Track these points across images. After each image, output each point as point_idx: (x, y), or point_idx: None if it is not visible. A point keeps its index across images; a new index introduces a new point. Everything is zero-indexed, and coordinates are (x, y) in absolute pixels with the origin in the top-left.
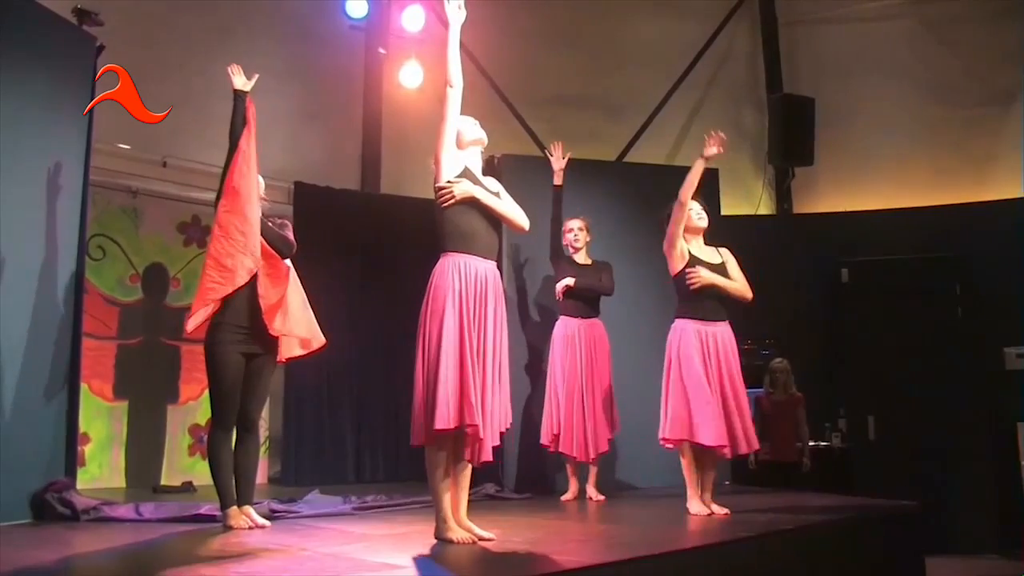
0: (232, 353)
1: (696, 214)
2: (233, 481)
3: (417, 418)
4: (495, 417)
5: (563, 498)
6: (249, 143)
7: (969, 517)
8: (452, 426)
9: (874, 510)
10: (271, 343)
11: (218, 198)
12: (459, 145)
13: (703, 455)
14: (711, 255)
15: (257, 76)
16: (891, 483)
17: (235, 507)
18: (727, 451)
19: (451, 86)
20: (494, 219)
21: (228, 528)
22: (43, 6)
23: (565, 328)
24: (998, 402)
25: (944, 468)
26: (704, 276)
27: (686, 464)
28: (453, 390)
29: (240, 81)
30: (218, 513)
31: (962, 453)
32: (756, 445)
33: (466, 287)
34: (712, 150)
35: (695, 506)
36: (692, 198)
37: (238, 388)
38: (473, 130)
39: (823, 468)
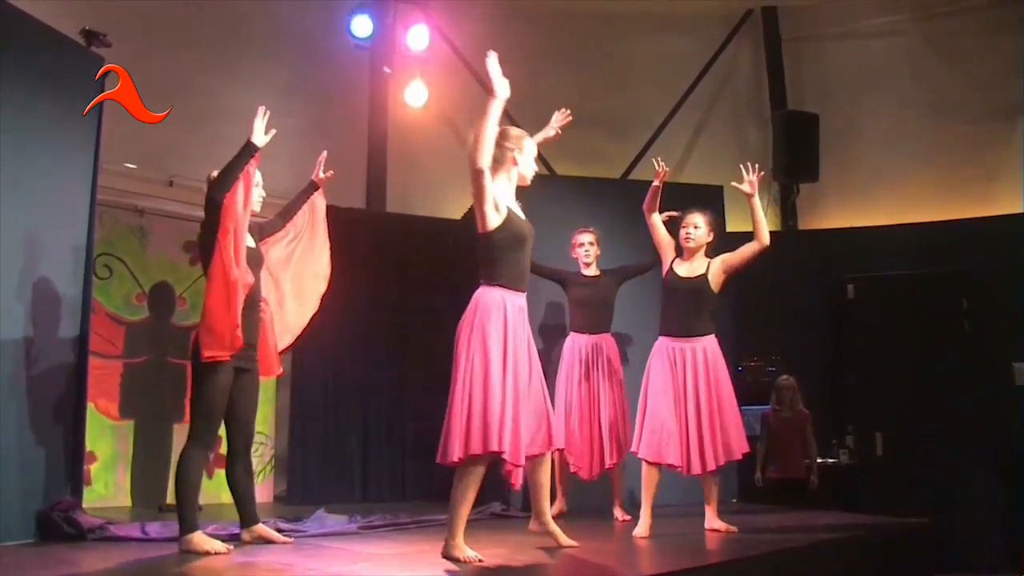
0: (226, 367)
1: (684, 234)
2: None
3: (455, 435)
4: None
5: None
6: (235, 214)
7: (979, 534)
8: (500, 450)
9: (883, 528)
10: (258, 357)
11: (205, 259)
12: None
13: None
14: (694, 269)
15: (275, 132)
16: (899, 500)
17: (199, 532)
18: (679, 470)
19: (478, 168)
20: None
21: (190, 554)
22: (51, 27)
23: (574, 343)
24: (1007, 417)
25: (953, 484)
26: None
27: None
28: (510, 417)
29: (260, 135)
30: (224, 532)
31: (971, 469)
32: (737, 455)
33: (513, 323)
34: (745, 187)
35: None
36: (689, 212)
37: (225, 404)
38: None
39: (831, 485)
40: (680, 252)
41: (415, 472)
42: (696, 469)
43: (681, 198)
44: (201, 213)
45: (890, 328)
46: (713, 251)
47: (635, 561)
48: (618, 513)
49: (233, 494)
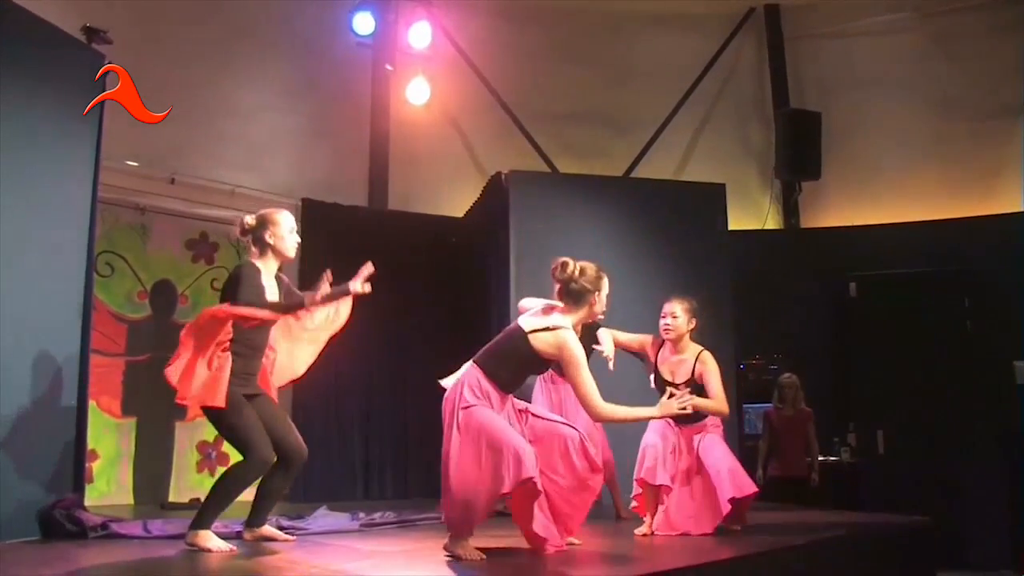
0: (237, 393)
1: (663, 325)
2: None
3: (500, 469)
4: None
5: None
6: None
7: (980, 532)
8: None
9: (885, 526)
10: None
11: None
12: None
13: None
14: (682, 368)
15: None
16: (901, 498)
17: (208, 531)
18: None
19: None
20: None
21: (193, 549)
22: (52, 24)
23: (547, 383)
24: (1008, 416)
25: (954, 482)
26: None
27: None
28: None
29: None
30: (227, 529)
31: (972, 467)
32: (706, 528)
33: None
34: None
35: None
36: (666, 301)
37: (255, 417)
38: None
39: (832, 483)
40: (663, 341)
41: (417, 469)
42: (686, 529)
43: (683, 196)
44: (203, 210)
45: (892, 326)
46: (714, 249)
47: (636, 558)
48: (620, 511)
49: (258, 493)
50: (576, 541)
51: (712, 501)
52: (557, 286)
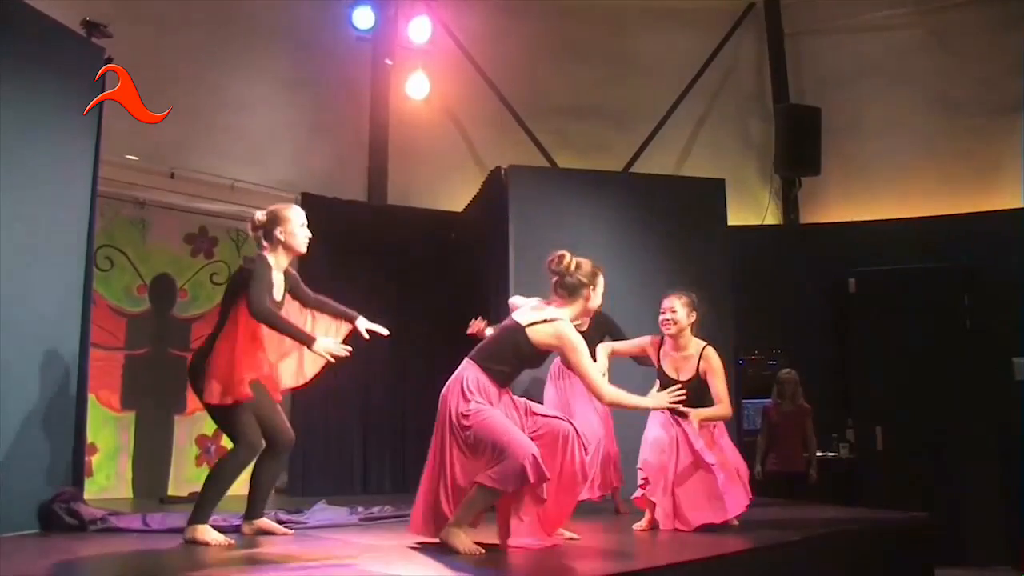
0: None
1: (662, 320)
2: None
3: (506, 470)
4: None
5: None
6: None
7: (979, 528)
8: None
9: (883, 521)
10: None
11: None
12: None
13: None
14: (687, 365)
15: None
16: (899, 494)
17: (207, 525)
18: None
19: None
20: None
21: (194, 543)
22: (52, 18)
23: (559, 377)
24: (1007, 412)
25: (952, 479)
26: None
27: None
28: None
29: (321, 345)
30: (225, 523)
31: (971, 463)
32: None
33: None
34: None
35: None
36: (664, 296)
37: (252, 414)
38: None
39: (831, 479)
40: (663, 338)
41: (416, 463)
42: (685, 525)
43: (683, 191)
44: (202, 204)
45: (891, 322)
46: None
47: (635, 554)
48: (619, 506)
49: (252, 484)
50: (575, 536)
51: (712, 492)
52: (553, 279)
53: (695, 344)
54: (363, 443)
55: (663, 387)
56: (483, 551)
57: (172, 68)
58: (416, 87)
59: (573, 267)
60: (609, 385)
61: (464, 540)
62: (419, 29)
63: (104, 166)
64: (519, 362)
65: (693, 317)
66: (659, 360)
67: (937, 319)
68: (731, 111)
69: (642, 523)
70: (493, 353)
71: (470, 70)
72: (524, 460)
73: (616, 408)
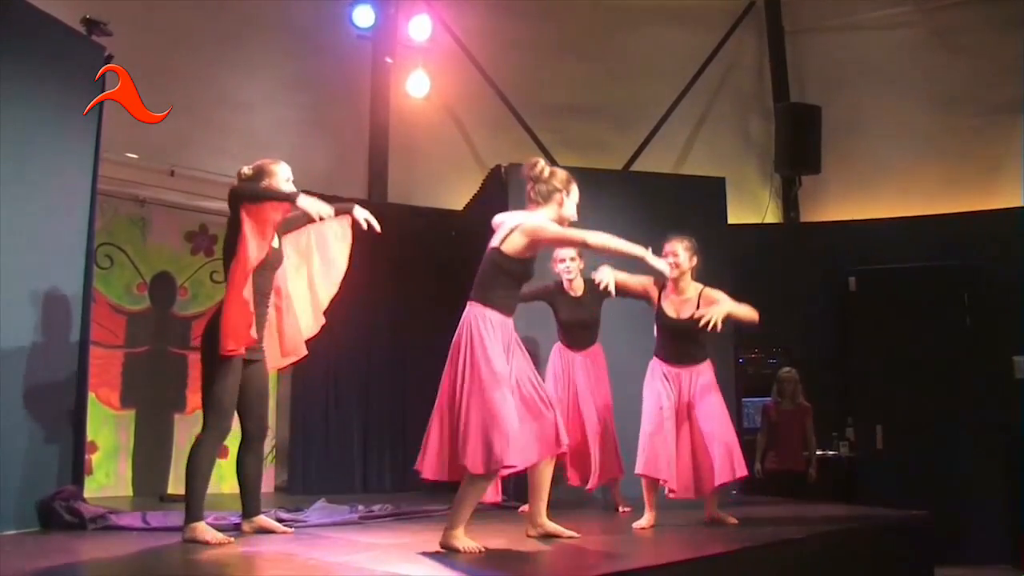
0: (237, 360)
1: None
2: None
3: (477, 448)
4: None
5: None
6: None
7: (979, 526)
8: (525, 465)
9: (883, 520)
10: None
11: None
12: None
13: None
14: (687, 307)
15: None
16: (899, 493)
17: (203, 522)
18: (671, 494)
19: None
20: None
21: (194, 543)
22: (52, 16)
23: (560, 357)
24: (1008, 411)
25: (953, 477)
26: (716, 312)
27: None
28: (530, 430)
29: (312, 205)
30: (225, 521)
31: (971, 462)
32: (726, 478)
33: (506, 340)
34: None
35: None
36: (666, 241)
37: (236, 395)
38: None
39: (831, 477)
40: (664, 282)
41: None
42: (690, 494)
43: (683, 190)
44: (202, 202)
45: (892, 321)
46: (713, 244)
47: (635, 552)
48: (619, 505)
49: (240, 483)
50: (575, 535)
51: (720, 452)
52: (528, 185)
53: (694, 287)
54: (363, 442)
55: (662, 328)
56: (483, 549)
57: (172, 66)
58: (416, 85)
59: (547, 174)
60: (592, 231)
61: (464, 540)
62: (419, 27)
63: (104, 164)
64: (510, 280)
65: (694, 261)
66: (660, 304)
67: (938, 318)
68: (731, 110)
69: (642, 522)
70: (484, 283)
71: (470, 68)
72: (501, 451)
73: (603, 252)
